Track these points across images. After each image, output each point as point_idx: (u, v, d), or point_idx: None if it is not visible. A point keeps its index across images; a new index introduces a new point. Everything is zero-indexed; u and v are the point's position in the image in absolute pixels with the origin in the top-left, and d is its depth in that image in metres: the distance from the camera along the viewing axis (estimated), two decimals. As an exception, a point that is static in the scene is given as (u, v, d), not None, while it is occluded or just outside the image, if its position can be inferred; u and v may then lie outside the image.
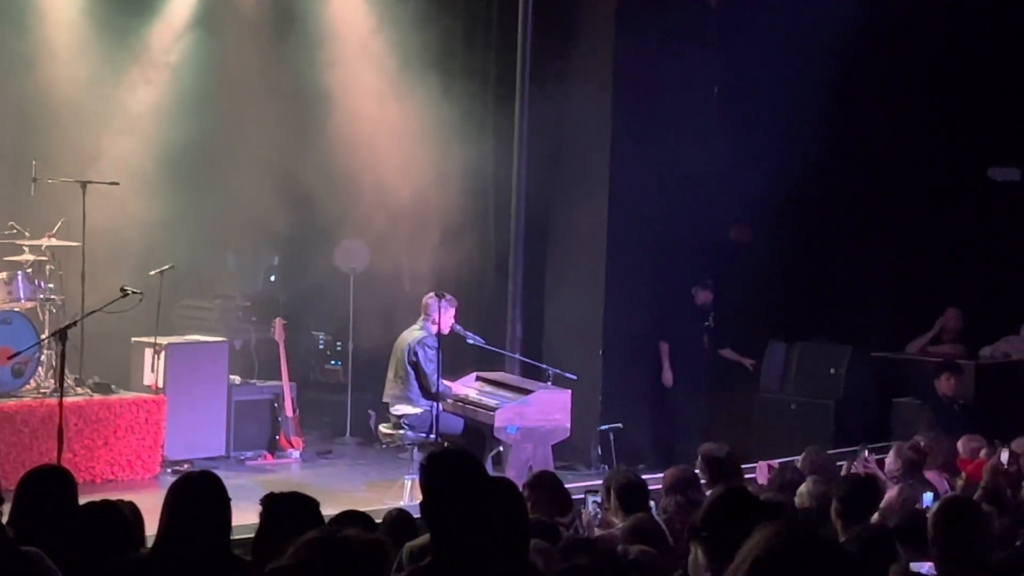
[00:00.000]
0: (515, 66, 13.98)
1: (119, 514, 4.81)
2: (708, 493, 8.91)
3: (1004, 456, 9.92)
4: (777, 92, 14.12)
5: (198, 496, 5.18)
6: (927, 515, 7.66)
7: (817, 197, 15.09)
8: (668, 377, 14.34)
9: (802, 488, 8.41)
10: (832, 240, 15.39)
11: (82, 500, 5.78)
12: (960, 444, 10.89)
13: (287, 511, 5.34)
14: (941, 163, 15.22)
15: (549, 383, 13.01)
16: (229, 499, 5.22)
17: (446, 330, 12.49)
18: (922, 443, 10.84)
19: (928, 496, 8.83)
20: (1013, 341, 14.99)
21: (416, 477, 11.30)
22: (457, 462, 5.36)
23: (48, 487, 5.55)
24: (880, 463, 10.68)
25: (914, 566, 5.64)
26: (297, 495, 5.46)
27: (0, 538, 4.60)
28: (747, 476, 10.27)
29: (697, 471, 9.24)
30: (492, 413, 12.51)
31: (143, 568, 4.81)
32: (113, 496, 6.01)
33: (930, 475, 10.14)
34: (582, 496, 8.62)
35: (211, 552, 5.03)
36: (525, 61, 13.93)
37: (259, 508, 5.40)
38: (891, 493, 8.97)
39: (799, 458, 10.25)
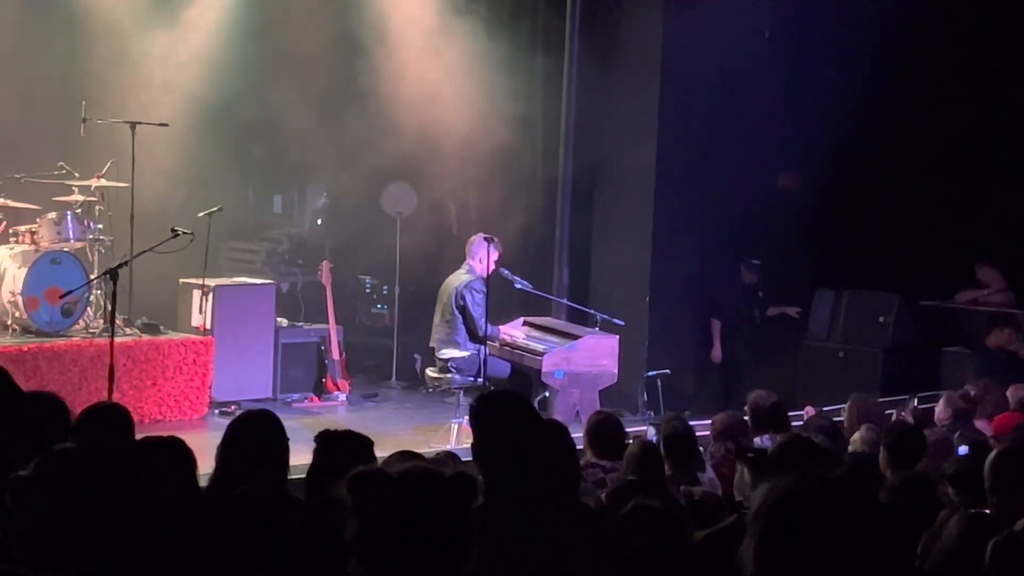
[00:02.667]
0: (565, 8, 13.90)
1: (182, 450, 4.83)
2: (755, 440, 8.95)
3: None
4: (828, 38, 13.98)
5: (257, 433, 5.20)
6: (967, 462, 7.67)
7: (867, 144, 14.95)
8: (717, 354, 14.34)
9: (856, 435, 8.42)
10: (882, 188, 15.26)
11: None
12: (1010, 393, 10.81)
13: (341, 449, 5.35)
14: (992, 110, 15.05)
15: (597, 328, 12.99)
16: (287, 438, 5.24)
17: (489, 272, 12.47)
18: (972, 392, 10.79)
19: (963, 448, 8.77)
20: None
21: (462, 421, 11.36)
22: (509, 403, 5.35)
23: (106, 423, 5.58)
24: (930, 412, 10.64)
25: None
26: (351, 433, 5.47)
27: None
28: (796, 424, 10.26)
29: (745, 418, 9.25)
30: (539, 358, 12.51)
31: (202, 504, 4.83)
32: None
33: (980, 424, 10.08)
34: (630, 442, 8.62)
35: (268, 490, 5.05)
36: (576, 4, 13.85)
37: (310, 447, 5.42)
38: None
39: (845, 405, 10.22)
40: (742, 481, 5.68)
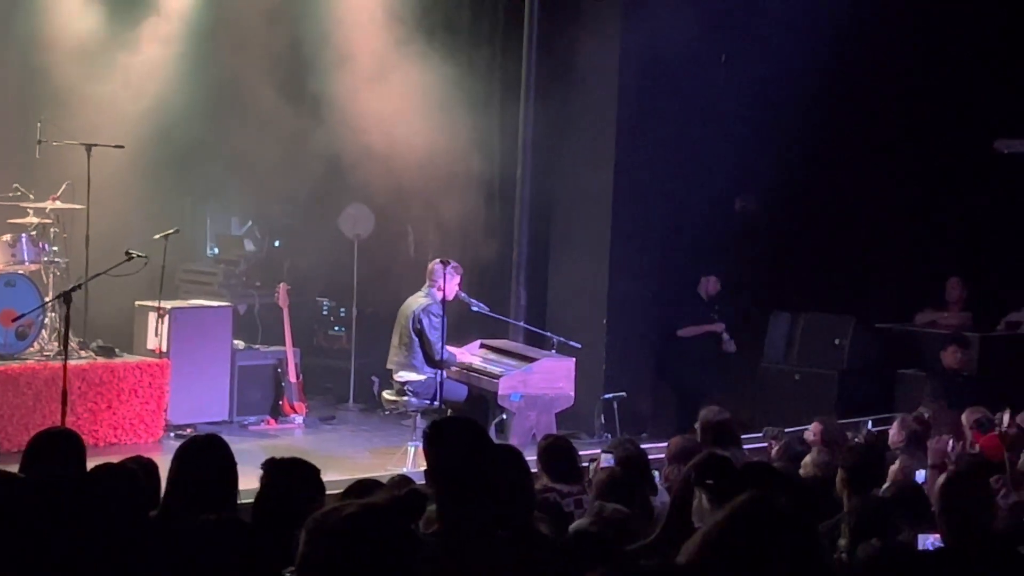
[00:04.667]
0: (522, 31, 13.94)
1: (130, 477, 4.81)
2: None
3: (1005, 418, 9.93)
4: (784, 62, 14.05)
5: (205, 459, 5.18)
6: (923, 488, 7.70)
7: (823, 167, 15.05)
8: (719, 326, 14.26)
9: (807, 459, 8.43)
10: (838, 210, 15.36)
11: (88, 464, 5.78)
12: (964, 416, 10.87)
13: (288, 476, 5.34)
14: (948, 134, 15.17)
15: (553, 351, 13.01)
16: (235, 462, 5.21)
17: (451, 297, 12.48)
18: (926, 415, 10.84)
19: (922, 473, 8.82)
20: None
21: (419, 444, 11.33)
22: (462, 429, 5.35)
23: (57, 449, 5.55)
24: (883, 434, 10.68)
25: (920, 538, 5.66)
26: (298, 461, 5.46)
27: None
28: (756, 446, 10.30)
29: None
30: (496, 380, 12.52)
31: (149, 531, 4.81)
32: (117, 459, 6.00)
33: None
34: (586, 464, 8.63)
35: (217, 515, 5.03)
36: (532, 27, 13.89)
37: (260, 473, 5.41)
38: (894, 466, 8.97)
39: (808, 428, 10.24)
40: (700, 507, 5.68)
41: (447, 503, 4.92)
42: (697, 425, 9.47)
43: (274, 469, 5.21)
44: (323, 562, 3.05)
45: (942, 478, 5.67)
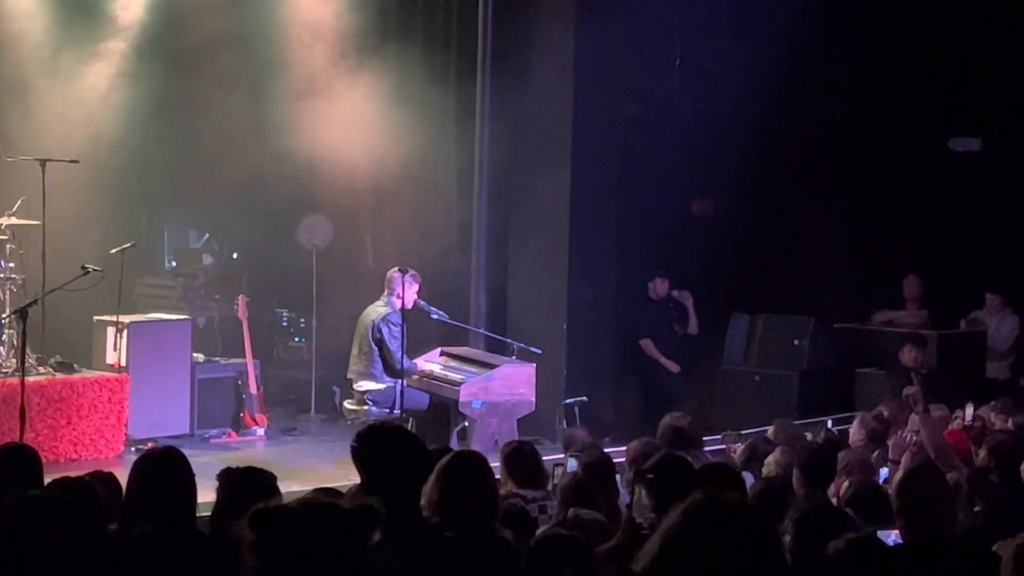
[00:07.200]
0: (477, 39, 13.96)
1: (86, 490, 4.80)
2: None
3: (969, 412, 9.99)
4: (739, 64, 14.12)
5: (161, 472, 5.16)
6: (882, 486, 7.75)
7: (780, 169, 15.11)
8: (673, 365, 14.29)
9: (770, 458, 8.47)
10: (794, 212, 15.42)
11: (45, 480, 5.75)
12: (925, 412, 10.90)
13: (244, 486, 5.33)
14: (903, 134, 15.26)
15: (513, 357, 13.02)
16: (193, 474, 5.20)
17: (409, 305, 12.47)
18: (885, 413, 10.89)
19: (884, 471, 8.87)
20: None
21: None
22: (389, 437, 5.33)
23: (13, 465, 5.52)
24: (844, 433, 10.74)
25: (880, 535, 5.68)
26: (254, 470, 5.46)
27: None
28: (715, 448, 10.33)
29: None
30: (457, 388, 12.51)
31: (108, 546, 4.78)
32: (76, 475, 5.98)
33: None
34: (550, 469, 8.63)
35: (176, 528, 5.01)
36: (487, 34, 13.92)
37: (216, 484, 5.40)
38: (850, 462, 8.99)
39: (768, 429, 10.29)
40: (640, 503, 5.72)
41: (389, 511, 4.88)
42: (659, 430, 9.51)
43: (230, 478, 5.21)
44: (279, 547, 3.05)
45: (899, 474, 5.72)
